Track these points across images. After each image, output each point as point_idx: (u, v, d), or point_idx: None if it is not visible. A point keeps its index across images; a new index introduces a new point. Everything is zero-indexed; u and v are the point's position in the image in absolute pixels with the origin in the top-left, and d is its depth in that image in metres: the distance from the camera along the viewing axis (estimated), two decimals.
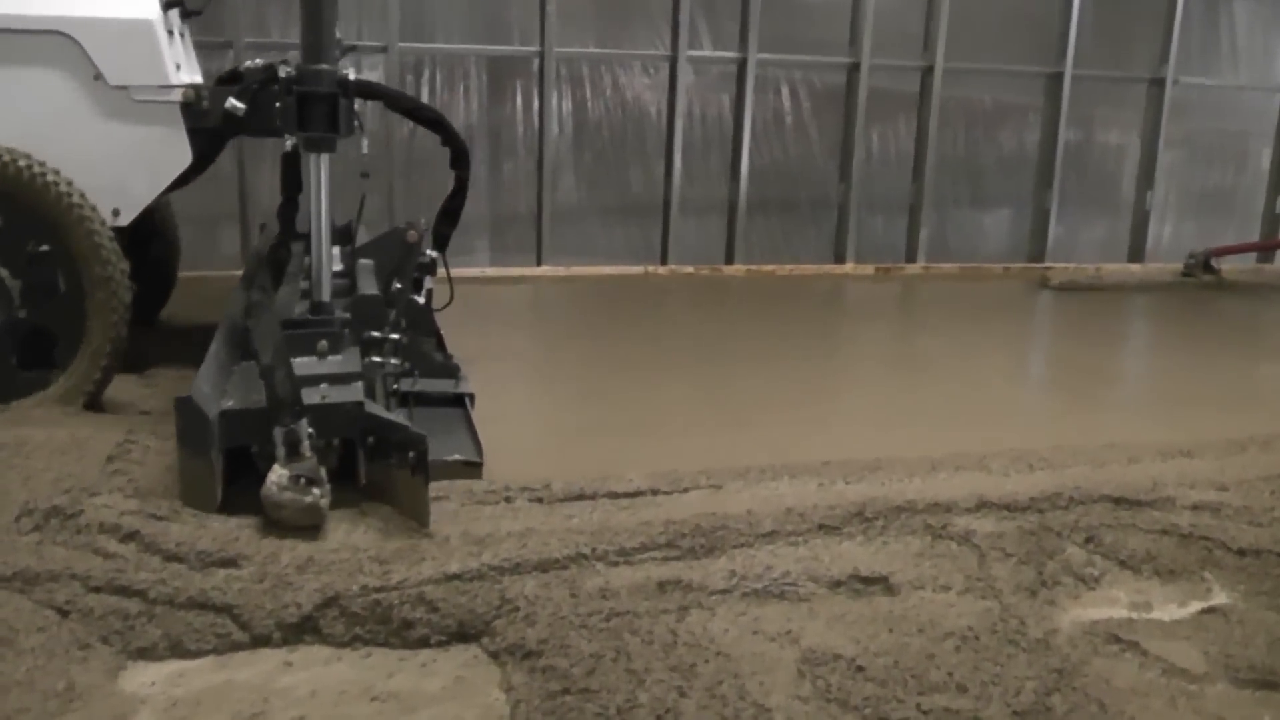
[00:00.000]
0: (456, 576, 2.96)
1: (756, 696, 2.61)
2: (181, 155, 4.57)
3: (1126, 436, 4.68)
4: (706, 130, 9.09)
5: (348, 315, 4.16)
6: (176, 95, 4.53)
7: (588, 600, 2.95)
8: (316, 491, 3.32)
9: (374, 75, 8.32)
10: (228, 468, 3.47)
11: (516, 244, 8.78)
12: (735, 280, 8.85)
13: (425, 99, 8.45)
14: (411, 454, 3.34)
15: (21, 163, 4.29)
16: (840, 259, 9.42)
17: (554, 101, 8.58)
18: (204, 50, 7.91)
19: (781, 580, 3.17)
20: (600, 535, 3.26)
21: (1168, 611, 3.25)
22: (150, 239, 5.76)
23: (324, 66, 4.06)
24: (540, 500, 3.56)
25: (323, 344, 3.90)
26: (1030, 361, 6.96)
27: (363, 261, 5.15)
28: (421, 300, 5.32)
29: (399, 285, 5.26)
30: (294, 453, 3.36)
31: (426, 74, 8.52)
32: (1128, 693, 2.76)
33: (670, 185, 8.87)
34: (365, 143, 6.80)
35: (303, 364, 3.70)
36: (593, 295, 8.04)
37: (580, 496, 3.62)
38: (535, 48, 8.48)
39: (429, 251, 5.86)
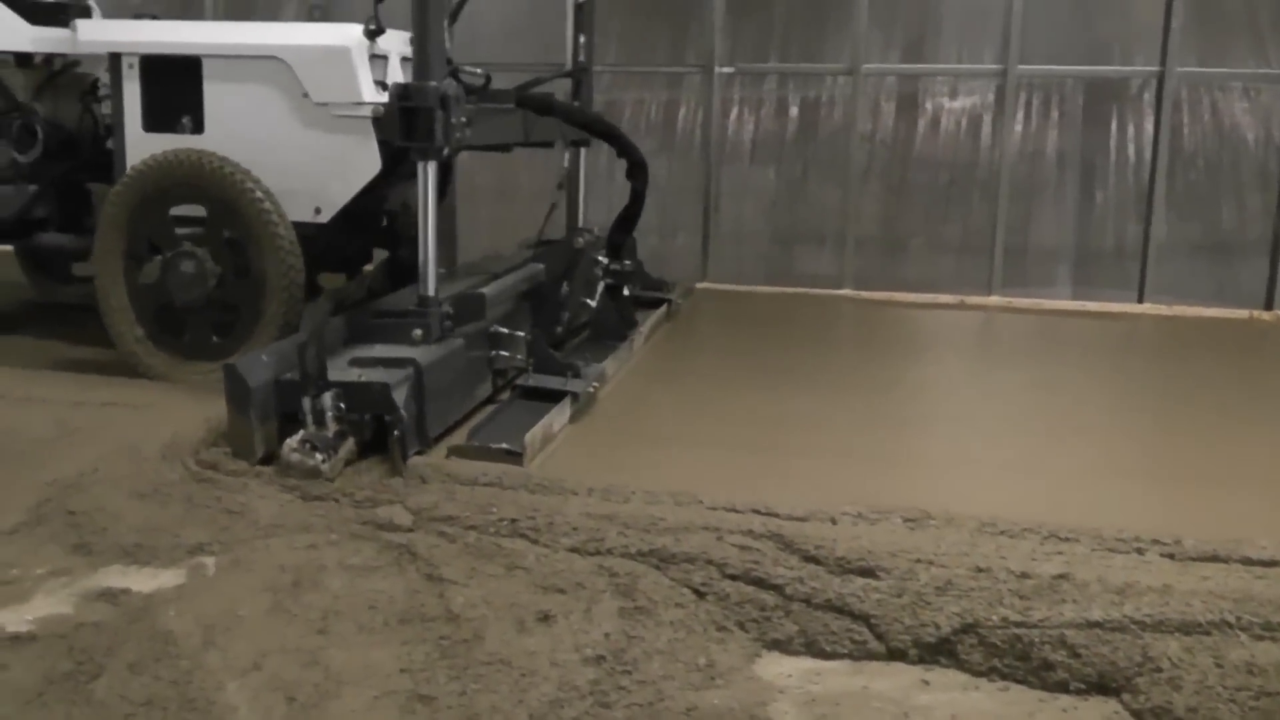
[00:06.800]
0: (1098, 624, 2.92)
1: None
2: (372, 163, 5.17)
3: None
4: None
5: (450, 309, 4.75)
6: (368, 111, 5.10)
7: (1234, 673, 2.80)
8: (319, 457, 3.89)
9: (976, 99, 8.35)
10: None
11: (1103, 278, 8.40)
12: None
13: (1020, 124, 8.33)
14: (396, 431, 3.99)
15: (227, 169, 5.06)
16: None
17: (1164, 127, 8.11)
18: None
19: None
20: (1244, 604, 3.06)
21: None
22: (399, 240, 6.43)
23: (430, 84, 4.61)
24: (1171, 556, 3.41)
25: (417, 332, 4.58)
26: None
27: (533, 265, 5.78)
28: (594, 304, 6.10)
29: (568, 288, 5.88)
30: (319, 421, 3.96)
31: (1022, 98, 8.36)
32: None
33: None
34: (567, 157, 7.12)
35: (379, 350, 4.46)
36: (1189, 337, 7.49)
37: (1214, 558, 3.42)
38: (1149, 67, 8.07)
39: (600, 258, 6.38)
